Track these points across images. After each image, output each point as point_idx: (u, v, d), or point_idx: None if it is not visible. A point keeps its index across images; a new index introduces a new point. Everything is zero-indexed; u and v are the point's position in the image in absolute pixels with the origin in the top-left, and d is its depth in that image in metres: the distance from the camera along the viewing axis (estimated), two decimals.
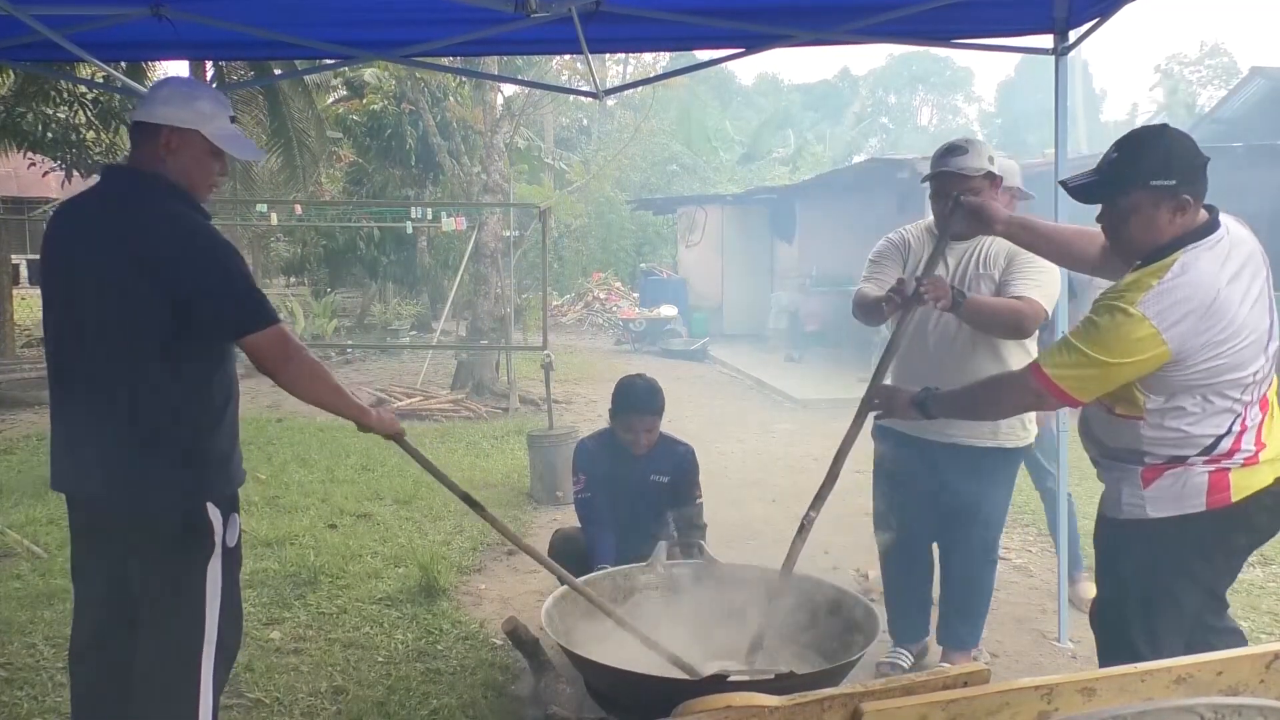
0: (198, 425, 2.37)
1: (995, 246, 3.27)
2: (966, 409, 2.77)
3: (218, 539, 2.38)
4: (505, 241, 11.38)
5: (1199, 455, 2.25)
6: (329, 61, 6.41)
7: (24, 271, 18.13)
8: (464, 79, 11.84)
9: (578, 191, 21.27)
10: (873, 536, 3.71)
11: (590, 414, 9.60)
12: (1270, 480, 2.28)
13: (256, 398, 10.13)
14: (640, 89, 17.68)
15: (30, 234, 18.63)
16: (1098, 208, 2.36)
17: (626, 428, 3.90)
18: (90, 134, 11.07)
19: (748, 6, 3.87)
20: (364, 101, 16.28)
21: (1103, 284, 2.60)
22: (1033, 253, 2.97)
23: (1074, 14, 3.77)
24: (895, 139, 36.64)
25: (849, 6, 3.86)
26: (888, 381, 3.57)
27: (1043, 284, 3.19)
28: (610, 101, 22.96)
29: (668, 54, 17.23)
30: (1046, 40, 3.90)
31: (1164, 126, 2.32)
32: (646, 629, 3.04)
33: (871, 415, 3.05)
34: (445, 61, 6.42)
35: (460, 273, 11.94)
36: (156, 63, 10.30)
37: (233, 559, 2.47)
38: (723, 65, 12.19)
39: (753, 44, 4.27)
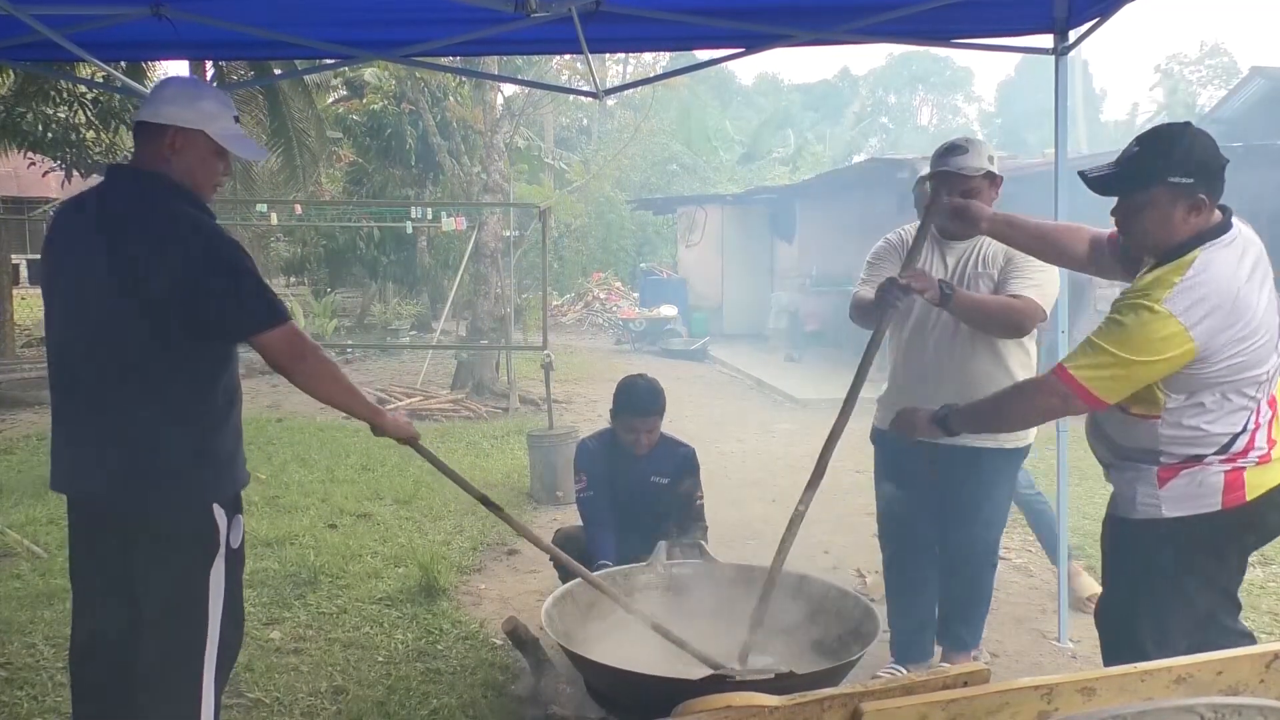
0: (204, 425, 2.36)
1: (995, 245, 3.27)
2: (990, 420, 2.70)
3: (222, 540, 2.38)
4: (505, 241, 11.38)
5: (1215, 454, 2.26)
6: (329, 61, 6.41)
7: (24, 271, 18.12)
8: (464, 79, 11.84)
9: (578, 191, 21.29)
10: (873, 536, 3.71)
11: (590, 414, 9.60)
12: None
13: (256, 398, 10.14)
14: (640, 89, 17.70)
15: (30, 234, 18.63)
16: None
17: (627, 428, 3.90)
18: (90, 134, 11.07)
19: (748, 6, 3.87)
20: (364, 101, 16.30)
21: (1101, 284, 2.60)
22: (1020, 251, 2.97)
23: (1074, 14, 3.77)
24: (895, 139, 36.64)
25: (849, 6, 3.86)
26: (885, 384, 3.57)
27: (1040, 283, 3.18)
28: (610, 101, 22.99)
29: (668, 54, 17.25)
30: (1046, 40, 3.90)
31: (1187, 124, 2.32)
32: (646, 629, 3.05)
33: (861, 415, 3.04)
34: (445, 61, 6.42)
35: (460, 273, 11.94)
36: (156, 63, 10.31)
37: (236, 560, 2.47)
38: (723, 65, 12.20)
39: (753, 44, 4.27)
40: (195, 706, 2.35)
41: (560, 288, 21.76)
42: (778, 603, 3.20)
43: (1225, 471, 2.26)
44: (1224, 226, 2.26)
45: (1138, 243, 2.35)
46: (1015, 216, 2.85)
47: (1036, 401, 2.41)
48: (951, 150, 3.23)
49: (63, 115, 10.78)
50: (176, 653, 2.36)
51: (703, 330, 16.61)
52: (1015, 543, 5.28)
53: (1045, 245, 2.79)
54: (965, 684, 1.60)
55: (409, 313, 18.20)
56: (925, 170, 3.54)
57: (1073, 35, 3.84)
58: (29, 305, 14.32)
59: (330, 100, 17.66)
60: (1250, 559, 2.50)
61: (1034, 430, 3.42)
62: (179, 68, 12.39)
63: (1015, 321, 3.18)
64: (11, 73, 9.85)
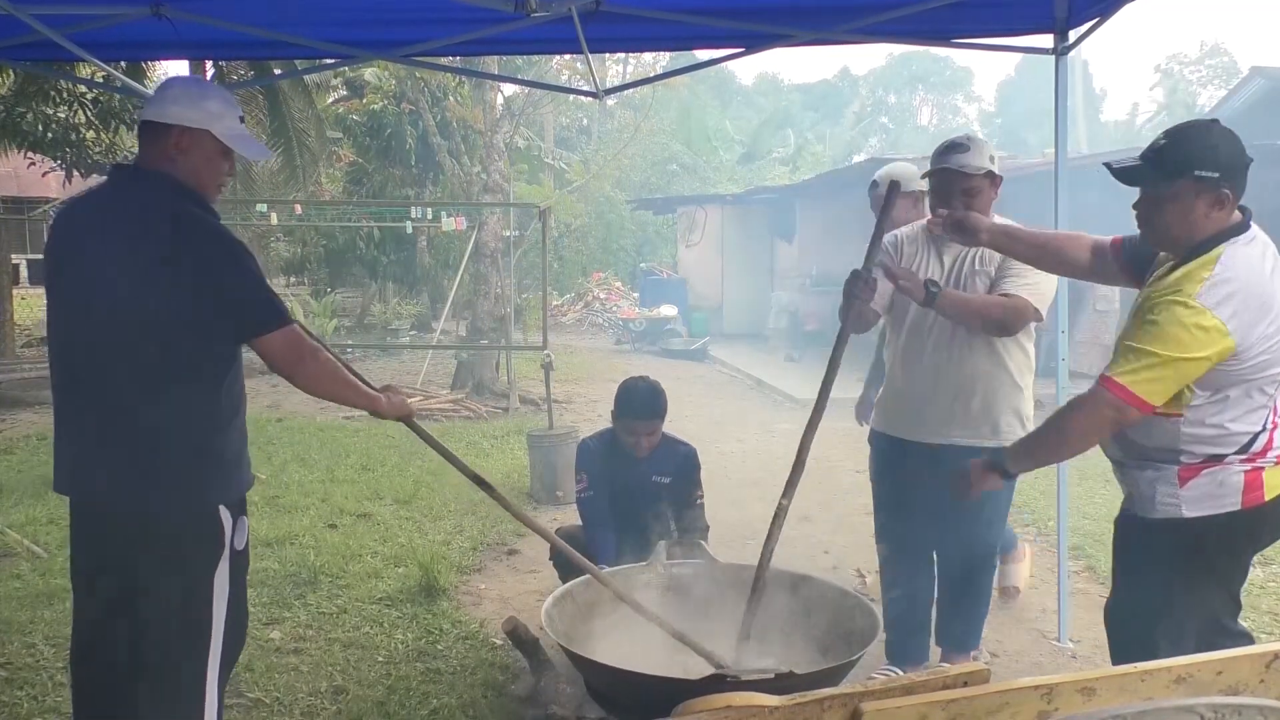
0: (209, 426, 2.36)
1: None
2: (1050, 450, 2.54)
3: (227, 541, 2.38)
4: (505, 241, 11.38)
5: (1236, 454, 2.27)
6: (329, 61, 6.41)
7: (24, 271, 18.11)
8: (464, 79, 11.84)
9: (578, 191, 21.30)
10: (873, 536, 3.70)
11: (590, 414, 9.60)
12: None
13: (256, 398, 10.13)
14: (640, 89, 17.71)
15: (30, 234, 18.63)
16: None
17: (628, 431, 3.90)
18: (90, 134, 11.05)
19: (748, 6, 3.87)
20: (364, 101, 16.30)
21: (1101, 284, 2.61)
22: (1020, 261, 2.97)
23: (1074, 14, 3.77)
24: (895, 139, 36.67)
25: (849, 6, 3.86)
26: (882, 388, 3.56)
27: (1035, 282, 3.16)
28: (610, 101, 23.00)
29: (668, 54, 17.25)
30: (1046, 40, 3.90)
31: (1214, 121, 2.34)
32: (646, 629, 3.05)
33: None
34: (445, 61, 6.42)
35: (460, 272, 11.94)
36: (156, 63, 10.30)
37: (240, 562, 2.47)
38: (723, 65, 12.20)
39: (753, 44, 4.27)
40: (198, 708, 2.35)
41: (560, 288, 21.76)
42: (778, 602, 3.21)
43: (1245, 471, 2.27)
44: (1244, 226, 2.28)
45: (1160, 238, 2.35)
46: (1014, 227, 2.85)
47: (1091, 418, 2.32)
48: (953, 148, 3.23)
49: (63, 115, 10.77)
50: (180, 655, 2.35)
51: (703, 330, 16.61)
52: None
53: (1046, 255, 2.78)
54: (965, 684, 1.60)
55: (409, 313, 18.20)
56: (883, 174, 3.58)
57: (1073, 35, 3.84)
58: (29, 305, 14.32)
59: (330, 100, 17.66)
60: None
61: (1032, 429, 3.40)
62: (179, 68, 12.37)
63: (1004, 320, 3.18)
64: (11, 73, 9.84)
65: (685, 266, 20.15)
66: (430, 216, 12.07)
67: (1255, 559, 2.49)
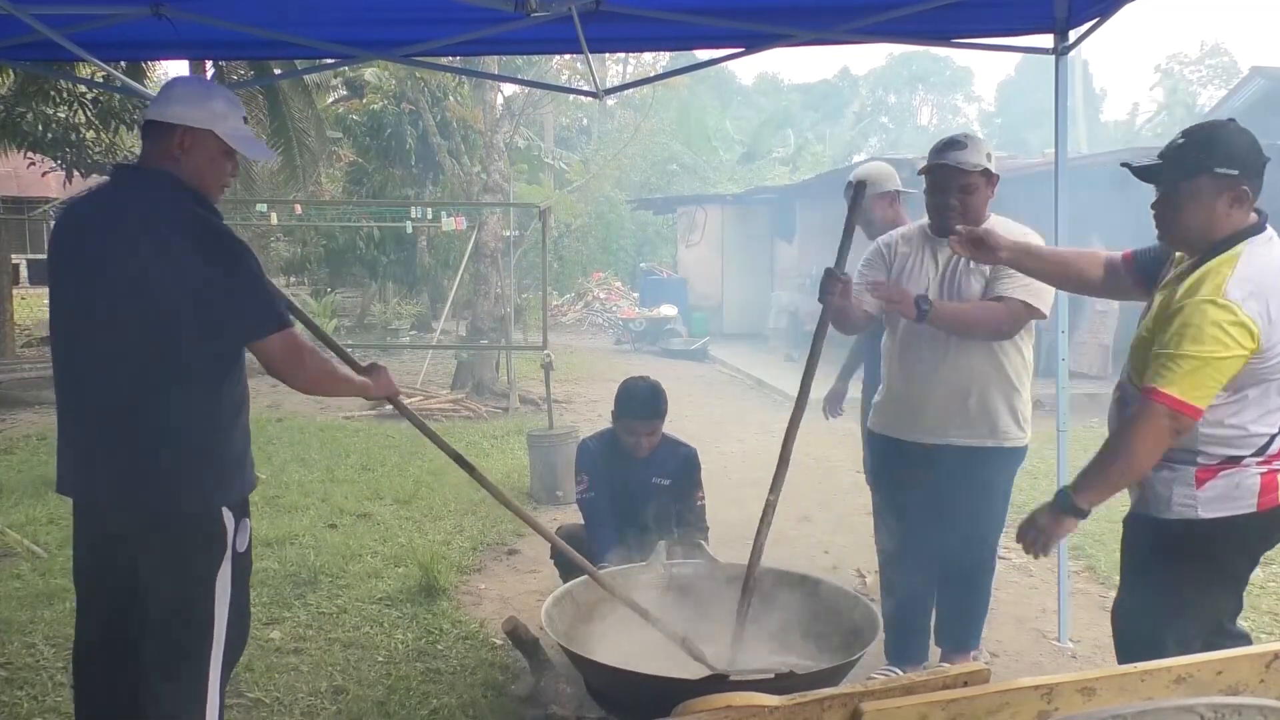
0: (212, 427, 2.35)
1: None
2: (1119, 474, 2.37)
3: (229, 543, 2.38)
4: (505, 241, 11.38)
5: (1253, 456, 2.27)
6: (329, 61, 6.41)
7: (24, 271, 18.11)
8: (464, 79, 11.84)
9: (578, 191, 21.29)
10: (872, 536, 3.70)
11: (590, 414, 9.60)
12: None
13: (256, 398, 10.03)
14: (640, 89, 17.70)
15: (30, 234, 18.63)
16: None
17: (629, 431, 3.90)
18: (90, 134, 11.05)
19: (748, 6, 3.87)
20: (364, 101, 16.30)
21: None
22: (1035, 279, 2.97)
23: (1074, 14, 3.77)
24: (895, 139, 36.65)
25: (849, 6, 3.86)
26: (880, 390, 3.56)
27: (1030, 283, 3.14)
28: (610, 101, 22.99)
29: (668, 54, 17.24)
30: (1046, 40, 3.90)
31: (1231, 120, 2.35)
32: (646, 629, 3.05)
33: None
34: (445, 61, 6.42)
35: (460, 272, 11.94)
36: (156, 63, 10.30)
37: (242, 563, 2.47)
38: (723, 65, 12.20)
39: (753, 44, 4.27)
40: (200, 708, 2.35)
41: (560, 288, 21.76)
42: (778, 602, 3.21)
43: (1261, 474, 2.28)
44: (1261, 226, 2.29)
45: (1179, 236, 2.36)
46: (1033, 245, 2.88)
47: (1152, 432, 2.24)
48: (950, 145, 3.23)
49: (63, 115, 10.76)
50: (182, 656, 2.35)
51: (703, 330, 16.60)
52: (1016, 542, 5.28)
53: (1066, 274, 2.80)
54: (965, 684, 1.60)
55: (409, 313, 18.20)
56: (855, 175, 3.60)
57: (1073, 35, 3.84)
58: (29, 305, 14.31)
59: (330, 100, 17.67)
60: None
61: (1030, 429, 3.40)
62: (179, 68, 12.41)
63: (999, 327, 3.18)
64: (11, 73, 9.84)
65: (685, 266, 20.15)
66: (430, 216, 12.07)
67: None
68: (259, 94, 12.19)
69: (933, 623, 3.60)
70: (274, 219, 12.03)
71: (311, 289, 17.89)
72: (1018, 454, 3.39)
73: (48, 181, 14.40)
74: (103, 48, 4.34)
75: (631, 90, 15.55)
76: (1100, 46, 76.38)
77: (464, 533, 5.54)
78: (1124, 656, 2.45)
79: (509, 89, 12.65)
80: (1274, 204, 2.46)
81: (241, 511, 2.44)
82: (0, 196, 19.25)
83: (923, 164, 3.32)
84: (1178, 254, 2.43)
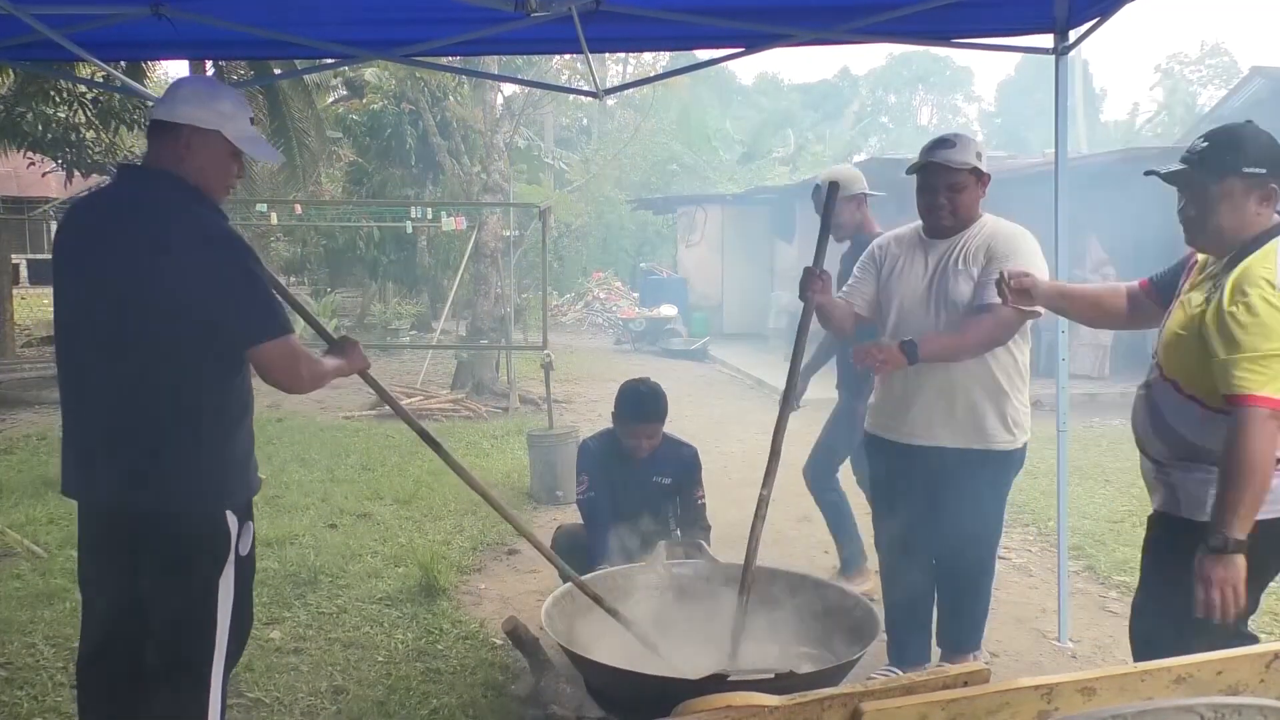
0: (217, 430, 2.35)
1: (976, 243, 3.24)
2: (1253, 494, 2.25)
3: (233, 546, 2.37)
4: (505, 241, 11.38)
5: None
6: (329, 61, 6.41)
7: (24, 271, 18.10)
8: (464, 79, 11.84)
9: (578, 191, 21.31)
10: (872, 537, 3.70)
11: (590, 414, 9.60)
12: None
13: (256, 397, 10.04)
14: (640, 89, 17.71)
15: (30, 234, 18.63)
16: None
17: (629, 434, 3.89)
18: (90, 134, 11.06)
19: (748, 6, 3.87)
20: (364, 101, 16.31)
21: (1095, 278, 2.61)
22: (1068, 318, 3.00)
23: (1074, 14, 3.77)
24: (895, 139, 36.64)
25: (849, 6, 3.86)
26: (874, 391, 3.55)
27: None
28: (610, 101, 22.99)
29: (668, 54, 17.24)
30: (1046, 40, 3.90)
31: (1249, 122, 2.37)
32: (646, 629, 3.04)
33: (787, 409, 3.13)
34: (445, 61, 6.42)
35: (460, 272, 11.94)
36: (156, 62, 10.30)
37: (246, 566, 2.46)
38: (723, 65, 12.20)
39: (753, 44, 4.27)
40: (202, 711, 2.35)
41: (560, 288, 21.76)
42: (778, 602, 3.21)
43: None
44: None
45: (1210, 238, 2.36)
46: (1065, 286, 2.96)
47: (1263, 439, 2.19)
48: (940, 144, 3.24)
49: (63, 115, 10.77)
50: (185, 658, 2.35)
51: (703, 330, 16.60)
52: (1015, 542, 5.28)
53: (1099, 311, 2.84)
54: (965, 684, 1.59)
55: (409, 313, 18.21)
56: (823, 177, 3.62)
57: (1073, 35, 3.85)
58: (29, 305, 14.33)
59: (330, 100, 17.66)
60: None
61: (1028, 430, 3.39)
62: (179, 67, 12.41)
63: (993, 337, 3.18)
64: (11, 73, 9.84)
65: (685, 266, 20.14)
66: (430, 216, 12.06)
67: None
68: (259, 94, 12.19)
69: (933, 623, 3.60)
70: (274, 219, 12.02)
71: (311, 289, 17.90)
72: (1010, 457, 3.33)
73: (48, 181, 14.42)
74: (103, 48, 4.34)
75: (631, 90, 15.56)
76: (1100, 46, 76.43)
77: (464, 532, 5.54)
78: (1142, 658, 2.42)
79: (509, 89, 12.67)
80: None
81: (245, 514, 2.43)
82: (0, 196, 19.26)
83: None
84: (1201, 258, 2.43)
